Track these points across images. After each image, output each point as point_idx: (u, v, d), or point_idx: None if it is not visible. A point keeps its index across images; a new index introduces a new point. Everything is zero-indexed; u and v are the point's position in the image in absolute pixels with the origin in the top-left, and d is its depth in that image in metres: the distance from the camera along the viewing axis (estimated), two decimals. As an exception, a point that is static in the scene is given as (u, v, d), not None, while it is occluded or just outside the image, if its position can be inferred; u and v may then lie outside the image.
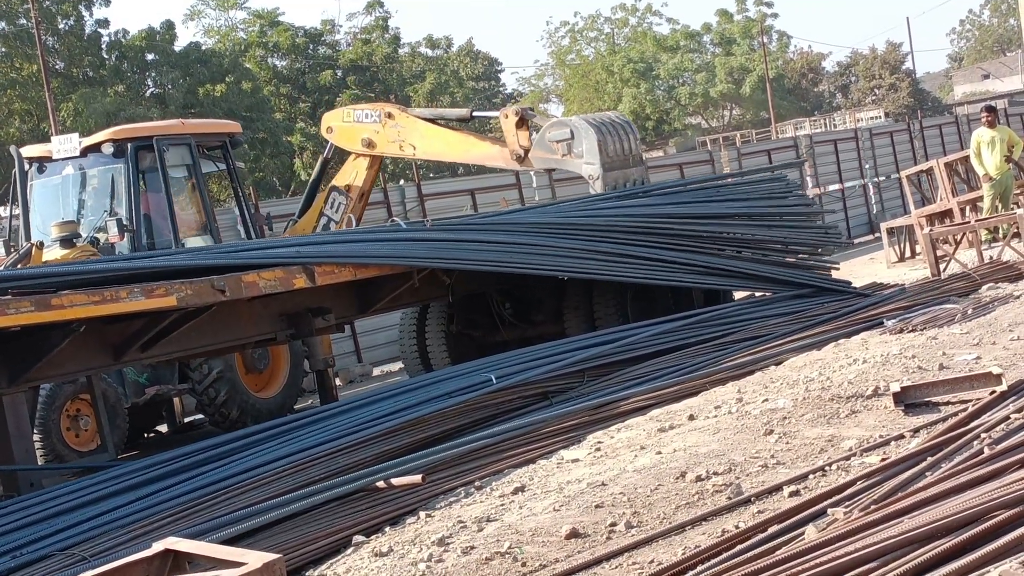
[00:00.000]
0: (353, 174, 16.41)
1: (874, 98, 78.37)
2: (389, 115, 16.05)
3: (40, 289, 9.23)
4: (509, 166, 15.96)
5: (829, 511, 5.85)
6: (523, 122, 15.27)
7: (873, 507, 5.61)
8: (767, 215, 14.86)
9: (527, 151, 15.10)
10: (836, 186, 32.71)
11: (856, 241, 30.19)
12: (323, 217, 16.22)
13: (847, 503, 5.93)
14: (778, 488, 6.73)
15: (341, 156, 17.08)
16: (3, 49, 38.47)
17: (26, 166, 14.42)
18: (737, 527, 6.11)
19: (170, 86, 39.07)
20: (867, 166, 34.49)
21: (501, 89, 77.34)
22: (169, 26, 41.05)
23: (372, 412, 9.92)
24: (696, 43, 70.57)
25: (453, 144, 15.94)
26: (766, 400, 9.07)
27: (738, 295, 14.75)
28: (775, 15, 73.05)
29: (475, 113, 16.78)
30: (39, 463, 11.01)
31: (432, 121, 16.16)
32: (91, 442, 12.55)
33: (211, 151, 15.09)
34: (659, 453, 8.03)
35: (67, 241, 13.14)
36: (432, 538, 6.98)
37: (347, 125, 16.31)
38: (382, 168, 18.26)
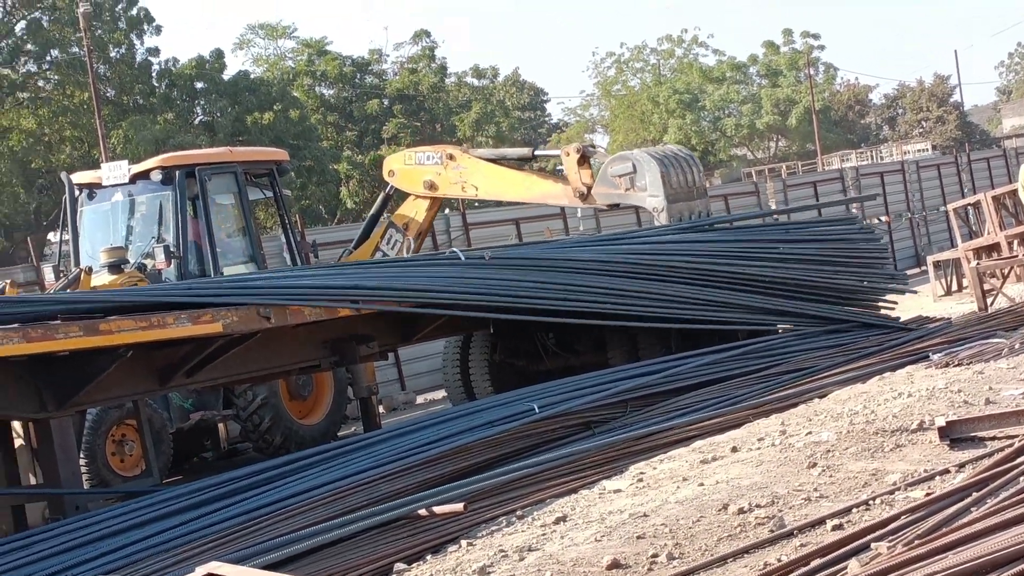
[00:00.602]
0: (413, 212, 16.51)
1: (921, 131, 77.97)
2: (451, 157, 16.15)
3: (88, 314, 9.33)
4: (572, 203, 15.99)
5: (873, 545, 5.81)
6: (584, 159, 15.32)
7: (917, 542, 5.57)
8: (834, 261, 14.72)
9: (590, 188, 15.13)
10: (883, 218, 32.55)
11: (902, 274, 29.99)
12: (378, 252, 16.30)
13: (891, 538, 5.89)
14: (821, 521, 6.70)
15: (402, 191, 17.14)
16: (56, 77, 38.96)
17: (76, 192, 14.55)
18: (779, 560, 6.08)
19: (219, 114, 39.40)
20: (914, 199, 34.29)
21: (547, 119, 77.51)
22: (219, 55, 41.43)
23: (415, 440, 9.94)
24: (742, 74, 70.49)
25: (515, 183, 16.00)
26: (810, 433, 9.03)
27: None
28: (822, 47, 72.87)
29: (537, 152, 16.89)
30: (84, 487, 11.09)
31: (494, 161, 16.24)
32: (136, 467, 12.62)
33: (258, 179, 15.18)
34: (702, 485, 8.01)
35: (115, 267, 13.26)
36: (473, 567, 6.98)
37: (409, 168, 16.41)
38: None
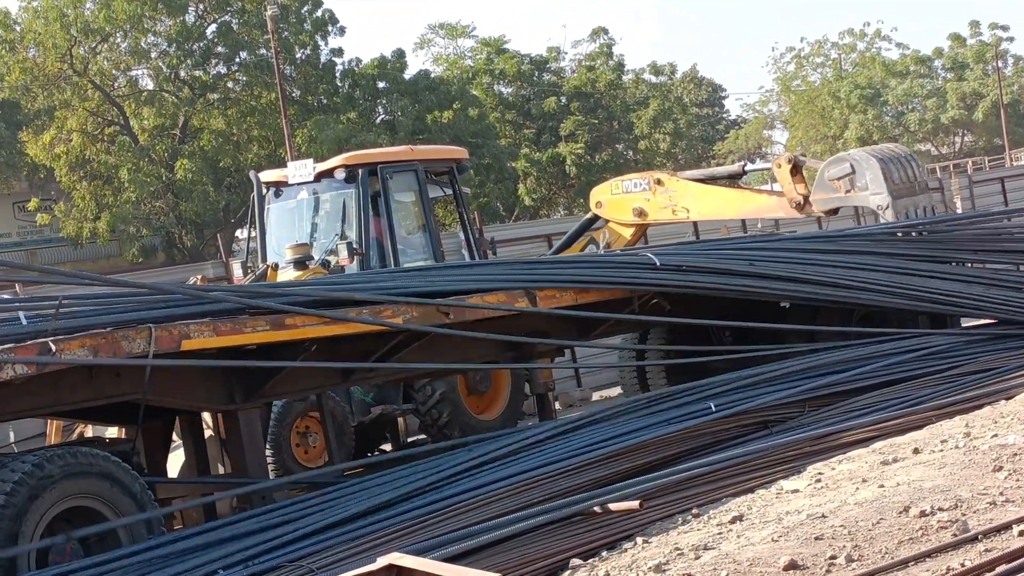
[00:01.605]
0: (619, 231, 16.53)
1: (1118, 124, 74.91)
2: (658, 182, 16.12)
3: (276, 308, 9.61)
4: (789, 215, 15.81)
5: (1061, 552, 5.67)
6: (796, 168, 15.17)
7: (1108, 550, 5.42)
8: None
9: (806, 197, 14.96)
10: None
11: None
12: None
13: (1080, 545, 5.74)
14: (1007, 527, 6.55)
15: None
16: (244, 78, 40.03)
17: (263, 190, 14.95)
18: (963, 565, 5.98)
19: (399, 113, 39.96)
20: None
21: (725, 115, 76.78)
22: (400, 55, 42.02)
23: (591, 436, 9.99)
24: (927, 68, 68.78)
25: (729, 201, 15.91)
26: (995, 435, 8.82)
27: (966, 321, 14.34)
28: (1011, 39, 70.62)
29: (747, 167, 16.76)
30: (270, 477, 11.40)
31: (702, 181, 16.18)
32: (319, 458, 12.89)
33: (438, 176, 15.38)
34: (882, 486, 7.89)
35: (300, 263, 13.57)
36: (648, 564, 7.01)
37: (616, 197, 16.45)
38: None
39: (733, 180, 16.53)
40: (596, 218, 17.19)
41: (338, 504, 8.72)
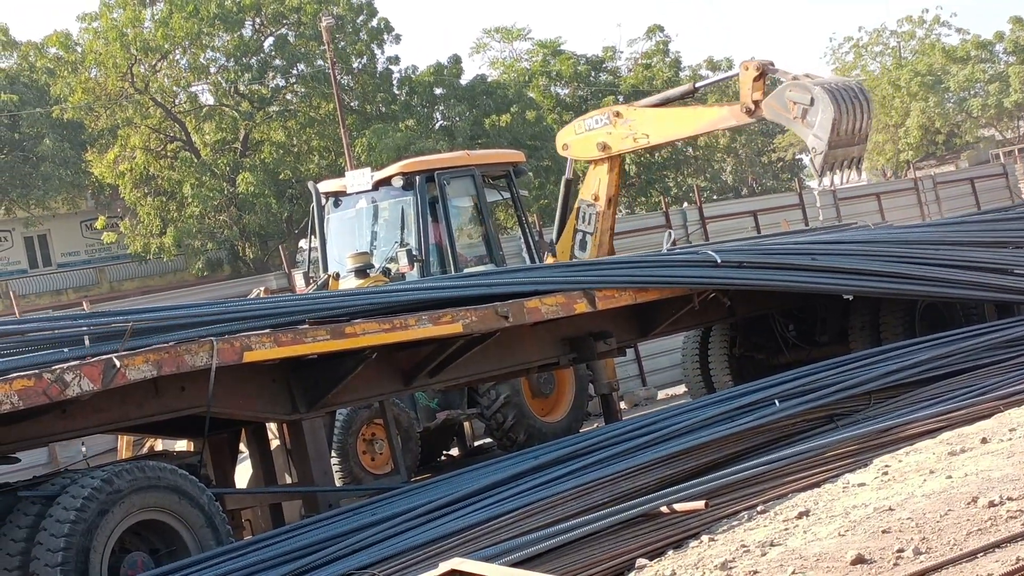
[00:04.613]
0: (596, 183, 16.44)
1: None
2: (617, 114, 16.10)
3: (335, 318, 9.68)
4: (740, 121, 15.54)
5: None
6: (762, 76, 14.97)
7: None
8: None
9: (757, 103, 14.74)
10: None
11: None
12: (578, 233, 16.29)
13: None
14: (1077, 515, 6.46)
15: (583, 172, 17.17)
16: (302, 90, 40.33)
17: (323, 200, 15.06)
18: (1032, 555, 5.90)
19: (457, 119, 40.10)
20: None
21: (784, 108, 76.20)
22: (456, 60, 42.17)
23: (655, 436, 9.97)
24: (988, 53, 67.89)
25: (683, 119, 15.82)
26: (1065, 423, 8.70)
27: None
28: (1075, 19, 69.34)
29: (698, 84, 16.75)
30: (337, 484, 11.47)
31: (658, 106, 16.13)
32: (387, 465, 12.96)
33: (496, 180, 15.43)
34: (949, 477, 7.81)
35: (361, 271, 13.66)
36: (715, 562, 6.98)
37: (580, 137, 16.42)
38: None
39: (686, 100, 16.50)
40: (571, 181, 17.04)
41: (400, 509, 8.74)
